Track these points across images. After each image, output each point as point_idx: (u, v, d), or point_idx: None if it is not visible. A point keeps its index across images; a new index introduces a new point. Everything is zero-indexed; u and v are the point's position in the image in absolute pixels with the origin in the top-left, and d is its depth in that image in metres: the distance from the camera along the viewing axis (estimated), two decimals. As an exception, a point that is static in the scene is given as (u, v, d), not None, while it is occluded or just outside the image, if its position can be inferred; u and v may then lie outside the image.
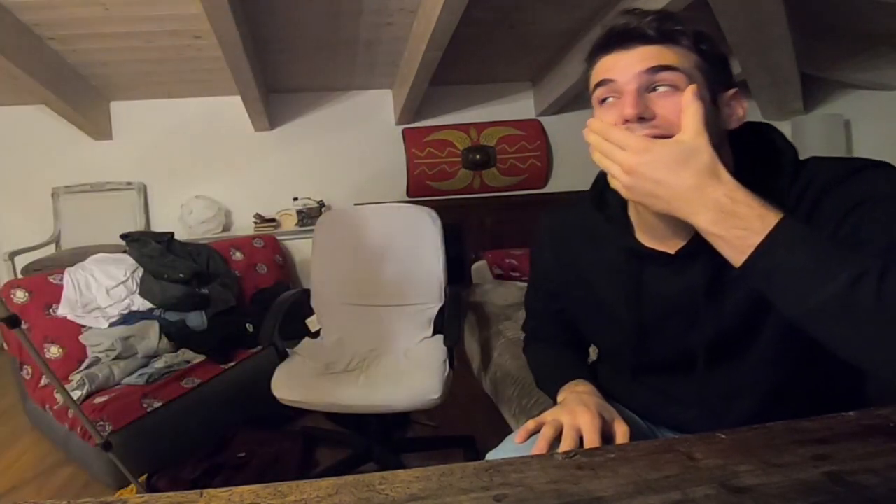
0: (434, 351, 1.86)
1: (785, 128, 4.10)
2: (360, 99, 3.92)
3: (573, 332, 0.99)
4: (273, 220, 3.69)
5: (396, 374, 1.77)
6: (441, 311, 2.05)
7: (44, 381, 2.06)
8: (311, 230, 2.26)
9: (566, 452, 0.59)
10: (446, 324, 1.90)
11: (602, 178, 0.85)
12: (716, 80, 0.71)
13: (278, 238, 3.42)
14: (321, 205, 3.71)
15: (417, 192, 3.92)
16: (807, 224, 0.64)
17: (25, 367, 2.12)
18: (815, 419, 0.62)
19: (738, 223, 0.59)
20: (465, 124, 3.98)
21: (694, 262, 0.74)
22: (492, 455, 0.80)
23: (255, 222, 3.66)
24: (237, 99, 3.41)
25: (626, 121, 0.67)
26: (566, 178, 4.09)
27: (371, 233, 2.15)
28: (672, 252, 0.76)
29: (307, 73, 3.52)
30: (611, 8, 2.90)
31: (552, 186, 4.12)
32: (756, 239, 0.58)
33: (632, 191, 0.65)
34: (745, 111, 0.74)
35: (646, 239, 0.80)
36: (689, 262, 0.75)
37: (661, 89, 0.68)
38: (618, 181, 0.65)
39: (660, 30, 0.69)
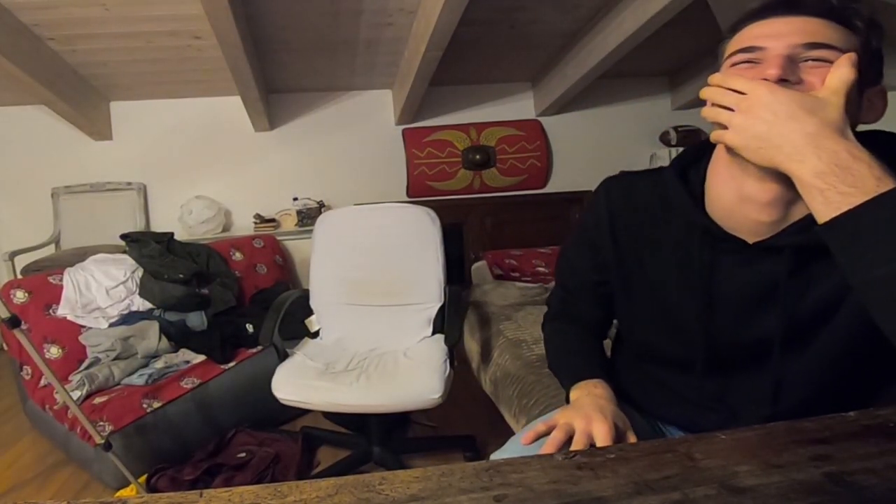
0: (434, 350, 1.86)
1: (785, 128, 4.11)
2: (360, 99, 3.92)
3: (604, 312, 0.94)
4: (273, 220, 3.69)
5: (397, 374, 1.77)
6: (440, 310, 2.05)
7: (44, 381, 2.06)
8: (311, 230, 2.26)
9: (566, 452, 0.59)
10: (447, 323, 1.90)
11: (689, 152, 0.81)
12: (869, 71, 0.66)
13: (278, 238, 3.42)
14: (321, 205, 3.71)
15: (417, 192, 3.92)
16: None
17: (25, 367, 2.12)
18: (815, 419, 0.62)
19: (849, 180, 0.56)
20: (465, 124, 3.98)
21: (770, 256, 0.72)
22: (496, 456, 0.78)
23: (255, 222, 3.66)
24: (237, 99, 3.41)
25: (772, 80, 0.62)
26: (566, 179, 4.10)
27: (371, 233, 2.15)
28: (750, 242, 0.73)
29: (307, 73, 3.52)
30: (610, 8, 2.90)
31: (552, 186, 4.12)
32: (861, 199, 0.55)
33: (740, 132, 0.62)
34: (886, 107, 0.70)
35: (722, 223, 0.75)
36: (765, 253, 0.72)
37: (817, 63, 0.63)
38: (728, 124, 0.63)
39: (830, 6, 0.64)
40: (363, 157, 3.93)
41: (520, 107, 4.08)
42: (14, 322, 1.48)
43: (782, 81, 0.62)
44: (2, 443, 2.24)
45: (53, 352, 2.07)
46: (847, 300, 0.71)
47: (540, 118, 4.05)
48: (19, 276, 2.99)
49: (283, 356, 1.87)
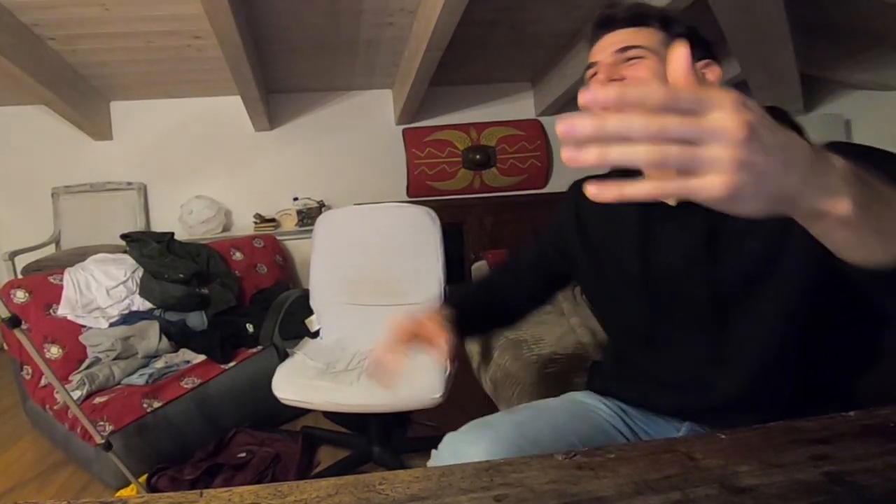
0: (434, 351, 1.86)
1: (785, 128, 4.11)
2: (360, 99, 3.92)
3: (532, 284, 1.05)
4: (273, 220, 3.69)
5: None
6: (441, 311, 2.04)
7: (44, 381, 2.06)
8: (311, 230, 2.26)
9: (566, 452, 0.59)
10: (446, 323, 1.89)
11: None
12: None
13: (278, 238, 3.42)
14: (321, 205, 3.71)
15: (417, 192, 3.92)
16: None
17: (25, 367, 2.12)
18: (815, 419, 0.62)
19: (881, 199, 0.42)
20: (465, 124, 3.98)
21: (692, 215, 0.76)
22: (433, 462, 0.83)
23: (255, 222, 3.66)
24: (237, 99, 3.41)
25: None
26: (566, 178, 4.08)
27: (371, 233, 2.15)
28: (673, 204, 0.80)
29: (307, 73, 3.52)
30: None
31: (552, 186, 4.12)
32: None
33: (747, 187, 0.36)
34: (719, 77, 0.81)
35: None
36: (688, 213, 0.76)
37: (631, 62, 0.78)
38: (715, 179, 0.36)
39: (629, 16, 0.81)
40: (363, 157, 3.93)
41: (520, 107, 4.08)
42: (14, 322, 1.48)
43: (610, 81, 0.77)
44: (2, 443, 2.24)
45: (54, 352, 2.07)
46: (784, 259, 0.72)
47: (540, 118, 4.05)
48: (19, 276, 2.99)
49: (284, 356, 1.87)
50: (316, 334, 2.12)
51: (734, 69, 3.41)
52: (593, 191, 0.38)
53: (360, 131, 3.93)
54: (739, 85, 3.68)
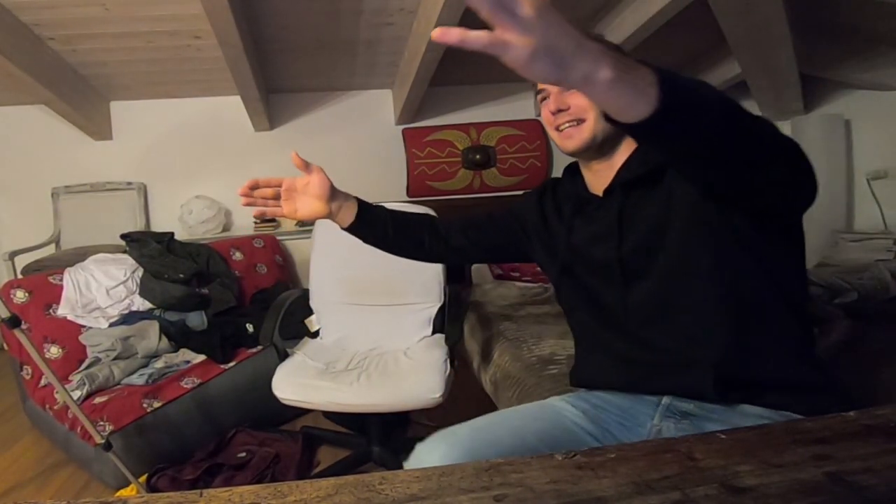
0: (435, 350, 1.86)
1: (785, 128, 4.10)
2: (360, 99, 3.92)
3: (456, 235, 1.19)
4: (273, 220, 3.69)
5: (397, 374, 1.77)
6: (440, 310, 2.05)
7: (44, 381, 2.06)
8: (311, 230, 2.26)
9: (566, 452, 0.59)
10: (447, 322, 1.90)
11: (574, 164, 1.10)
12: None
13: (278, 238, 3.42)
14: (321, 205, 3.70)
15: (417, 192, 3.92)
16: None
17: (25, 367, 2.12)
18: (815, 419, 0.62)
19: (633, 68, 0.58)
20: (465, 124, 3.98)
21: (611, 200, 0.98)
22: (411, 464, 0.90)
23: (255, 222, 3.65)
24: (237, 99, 3.41)
25: (552, 112, 0.97)
26: (566, 178, 4.09)
27: (371, 233, 2.15)
28: (600, 194, 1.01)
29: (307, 73, 3.52)
30: (610, 8, 2.90)
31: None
32: (653, 77, 0.59)
33: (539, 52, 0.53)
34: None
35: (591, 189, 1.05)
36: (609, 199, 0.98)
37: (572, 90, 0.93)
38: (517, 49, 0.53)
39: None
40: (363, 157, 3.93)
41: (520, 107, 4.08)
42: (14, 322, 1.48)
43: (559, 112, 0.96)
44: (2, 443, 2.24)
45: (53, 352, 2.07)
46: (672, 223, 0.89)
47: (540, 118, 4.05)
48: (19, 276, 2.99)
49: (283, 356, 1.87)
50: (316, 334, 2.12)
51: (734, 69, 3.41)
52: (437, 33, 0.52)
53: (360, 131, 3.93)
54: (739, 85, 3.68)
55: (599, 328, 1.02)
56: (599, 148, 0.97)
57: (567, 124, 0.96)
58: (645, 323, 0.94)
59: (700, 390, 0.88)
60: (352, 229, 1.14)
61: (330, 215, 1.09)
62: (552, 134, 1.01)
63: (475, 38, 0.53)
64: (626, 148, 0.98)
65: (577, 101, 0.95)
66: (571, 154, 1.00)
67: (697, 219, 0.87)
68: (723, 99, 0.65)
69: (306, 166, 1.05)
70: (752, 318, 0.87)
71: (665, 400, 0.92)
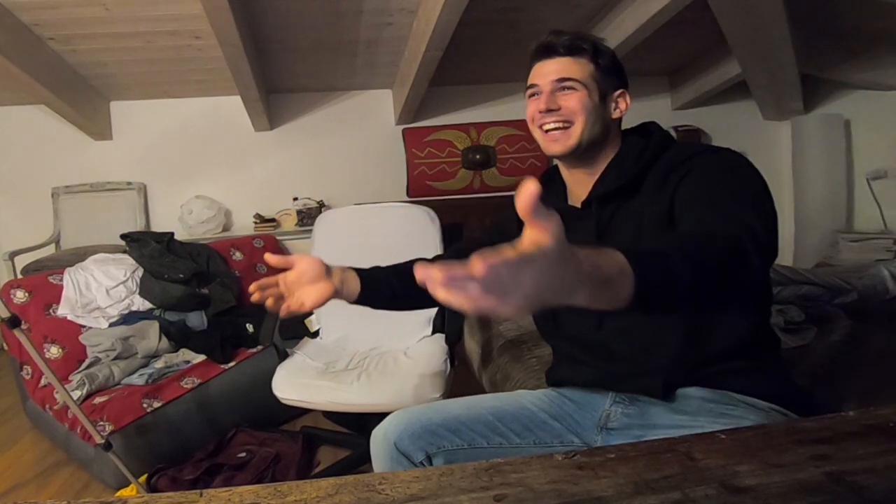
0: (435, 350, 1.86)
1: (785, 128, 4.11)
2: (360, 99, 3.92)
3: None
4: (273, 220, 3.69)
5: (397, 373, 1.77)
6: (440, 310, 2.04)
7: (44, 381, 2.06)
8: (311, 230, 2.26)
9: (566, 452, 0.59)
10: (447, 322, 1.90)
11: (552, 169, 1.09)
12: (606, 82, 0.97)
13: (278, 238, 3.42)
14: (321, 205, 3.71)
15: (417, 192, 3.92)
16: (661, 187, 0.89)
17: (25, 367, 2.12)
18: (815, 419, 0.62)
19: (606, 279, 0.58)
20: (465, 124, 3.98)
21: (588, 213, 0.98)
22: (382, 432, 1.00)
23: (255, 222, 3.66)
24: (237, 99, 3.41)
25: (540, 111, 0.96)
26: (566, 178, 4.09)
27: (370, 232, 2.15)
28: (579, 205, 1.01)
29: (307, 73, 3.52)
30: (610, 8, 2.90)
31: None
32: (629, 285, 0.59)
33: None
34: (628, 106, 1.00)
35: (572, 202, 1.04)
36: (586, 212, 0.99)
37: (566, 91, 0.96)
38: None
39: (567, 47, 0.96)
40: (363, 157, 3.93)
41: (520, 107, 4.02)
42: (14, 322, 1.48)
43: (549, 111, 0.95)
44: (2, 443, 2.24)
45: (53, 352, 2.07)
46: (641, 242, 0.89)
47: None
48: (19, 276, 2.99)
49: (283, 356, 1.87)
50: (316, 334, 2.12)
51: (734, 69, 3.42)
52: (419, 274, 0.47)
53: (360, 131, 3.93)
54: (739, 85, 3.68)
55: (568, 337, 1.06)
56: (582, 154, 0.97)
57: (553, 125, 0.95)
58: (610, 334, 0.98)
59: (650, 392, 0.94)
60: (361, 298, 1.06)
61: (336, 293, 1.00)
62: (535, 133, 0.99)
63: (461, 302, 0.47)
64: (606, 156, 0.99)
65: (570, 103, 0.95)
66: (555, 157, 1.00)
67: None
68: (689, 258, 0.66)
69: (286, 261, 0.97)
70: (709, 330, 0.91)
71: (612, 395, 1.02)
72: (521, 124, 3.96)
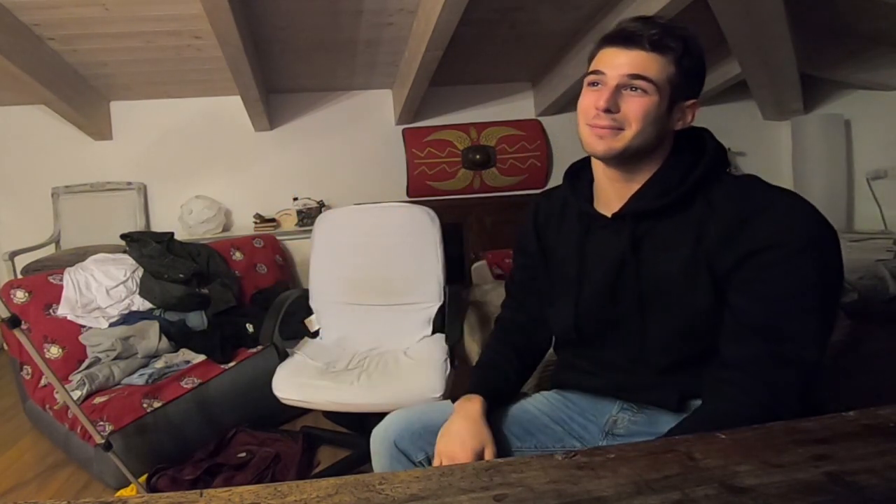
0: (435, 349, 1.86)
1: (785, 128, 4.11)
2: (360, 99, 3.92)
3: (538, 318, 1.10)
4: (273, 220, 3.69)
5: (397, 373, 1.77)
6: (440, 310, 2.05)
7: (44, 381, 2.06)
8: (311, 230, 2.26)
9: (566, 452, 0.59)
10: (447, 322, 1.90)
11: (579, 160, 1.03)
12: (680, 91, 0.86)
13: (278, 238, 3.41)
14: (321, 205, 3.71)
15: (417, 192, 3.92)
16: (727, 236, 0.82)
17: (25, 367, 2.12)
18: (815, 419, 0.62)
19: None
20: (465, 124, 3.98)
21: (623, 225, 0.91)
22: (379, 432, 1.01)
23: (255, 222, 3.66)
24: (237, 99, 3.41)
25: (598, 108, 0.85)
26: (566, 178, 4.09)
27: (370, 232, 2.15)
28: (609, 215, 0.93)
29: (307, 73, 3.52)
30: (610, 8, 2.90)
31: (552, 186, 4.12)
32: None
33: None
34: (694, 118, 0.90)
35: (599, 206, 0.96)
36: (620, 223, 0.91)
37: (634, 91, 0.84)
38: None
39: (653, 41, 0.83)
40: (363, 157, 3.93)
41: (520, 107, 4.08)
42: (14, 322, 1.48)
43: (607, 111, 0.84)
44: (2, 443, 2.24)
45: (53, 352, 2.07)
46: (690, 279, 0.85)
47: (540, 118, 4.05)
48: (19, 276, 2.99)
49: (284, 356, 1.87)
50: (316, 334, 2.12)
51: (734, 69, 3.41)
52: None
53: (359, 131, 3.93)
54: (739, 85, 3.68)
55: (584, 355, 1.04)
56: (627, 160, 0.88)
57: (605, 127, 0.85)
58: (631, 352, 0.96)
59: (664, 405, 0.94)
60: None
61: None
62: (582, 128, 0.88)
63: None
64: (651, 166, 0.89)
65: (632, 107, 0.84)
66: (595, 156, 0.91)
67: (711, 291, 0.86)
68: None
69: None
70: (709, 357, 0.89)
71: (620, 403, 1.00)
72: (521, 124, 3.99)
